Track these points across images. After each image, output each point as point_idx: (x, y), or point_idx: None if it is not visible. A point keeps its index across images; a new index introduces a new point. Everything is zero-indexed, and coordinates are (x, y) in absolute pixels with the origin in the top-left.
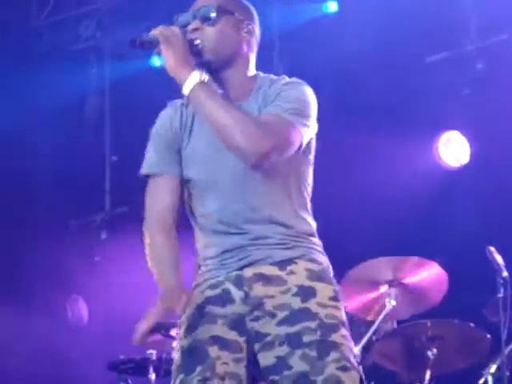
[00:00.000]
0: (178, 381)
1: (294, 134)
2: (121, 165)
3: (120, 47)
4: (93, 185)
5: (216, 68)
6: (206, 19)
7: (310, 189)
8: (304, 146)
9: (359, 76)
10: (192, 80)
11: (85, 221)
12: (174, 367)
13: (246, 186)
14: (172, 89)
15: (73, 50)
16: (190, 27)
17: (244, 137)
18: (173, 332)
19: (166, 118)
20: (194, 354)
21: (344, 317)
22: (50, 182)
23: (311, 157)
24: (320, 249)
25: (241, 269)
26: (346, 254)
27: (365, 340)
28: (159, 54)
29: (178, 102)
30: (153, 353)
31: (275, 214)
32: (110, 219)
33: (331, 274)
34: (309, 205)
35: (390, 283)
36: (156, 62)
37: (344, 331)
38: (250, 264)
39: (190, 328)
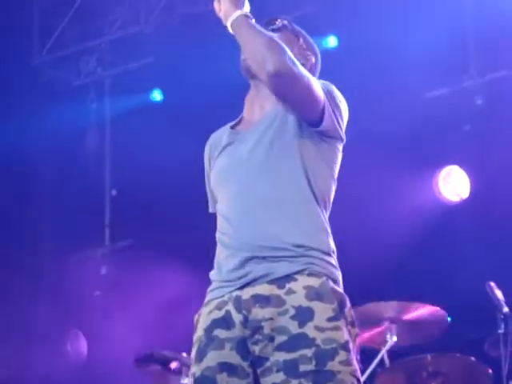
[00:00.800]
0: None
1: (314, 85)
2: (120, 199)
3: (121, 82)
4: (93, 219)
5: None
6: (272, 23)
7: (328, 198)
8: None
9: (359, 110)
10: (235, 15)
11: (85, 255)
12: None
13: (257, 209)
14: (170, 125)
15: (74, 85)
16: None
17: (268, 49)
18: (172, 365)
19: (210, 143)
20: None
21: (345, 336)
22: (50, 216)
23: (334, 166)
24: (328, 259)
25: (241, 288)
26: (345, 289)
27: (368, 372)
28: None
29: (225, 127)
30: None
31: (281, 229)
32: (110, 253)
33: (337, 287)
34: (324, 217)
35: (392, 320)
36: (156, 96)
37: (343, 355)
38: (250, 283)
39: (201, 354)
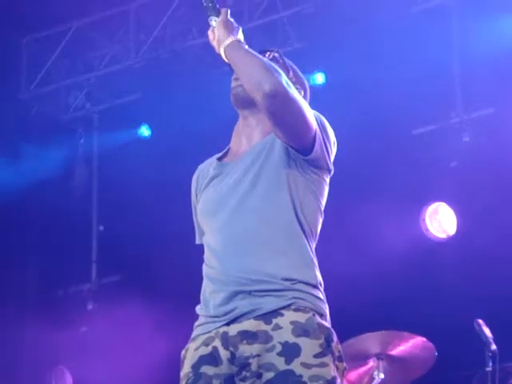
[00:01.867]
0: None
1: (313, 121)
2: (108, 235)
3: (108, 118)
4: (80, 255)
5: (250, 103)
6: (263, 55)
7: (315, 230)
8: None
9: (345, 147)
10: (228, 41)
11: (71, 291)
12: None
13: (244, 242)
14: (158, 160)
15: (61, 120)
16: None
17: (270, 77)
18: None
19: (197, 175)
20: None
21: (332, 373)
22: (37, 251)
23: (322, 199)
24: (315, 293)
25: (228, 324)
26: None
27: None
28: (211, 19)
29: (211, 158)
30: None
31: (267, 263)
32: (96, 289)
33: (324, 322)
34: (311, 250)
35: (378, 356)
36: (144, 132)
37: None
38: (236, 319)
39: None
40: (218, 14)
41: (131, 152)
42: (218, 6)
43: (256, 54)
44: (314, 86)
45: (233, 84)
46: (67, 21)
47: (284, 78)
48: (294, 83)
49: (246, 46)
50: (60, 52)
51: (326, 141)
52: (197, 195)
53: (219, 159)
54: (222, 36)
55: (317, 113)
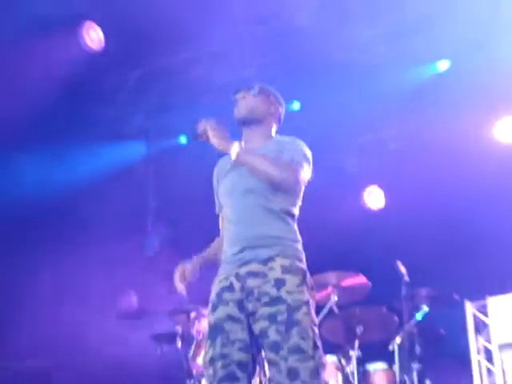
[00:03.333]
0: (207, 346)
1: (302, 170)
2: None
3: (161, 131)
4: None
5: (248, 122)
6: (250, 90)
7: (297, 208)
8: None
9: (317, 165)
10: (235, 149)
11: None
12: (206, 335)
13: (247, 213)
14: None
15: (122, 133)
16: (239, 95)
17: (276, 173)
18: (192, 314)
19: (218, 167)
20: (216, 328)
21: (307, 297)
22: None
23: (301, 191)
24: (295, 246)
25: (239, 267)
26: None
27: (320, 319)
28: (207, 139)
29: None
30: (179, 328)
31: (264, 229)
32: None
33: (301, 264)
34: (291, 221)
35: (334, 285)
36: (182, 140)
37: (305, 309)
38: (244, 264)
39: (214, 308)
40: (207, 137)
41: (177, 156)
42: (200, 132)
43: (257, 156)
44: (291, 111)
45: (235, 113)
46: None
47: (281, 170)
48: (274, 103)
49: (243, 146)
50: None
51: (307, 175)
52: (218, 181)
53: None
54: (225, 146)
55: (301, 143)
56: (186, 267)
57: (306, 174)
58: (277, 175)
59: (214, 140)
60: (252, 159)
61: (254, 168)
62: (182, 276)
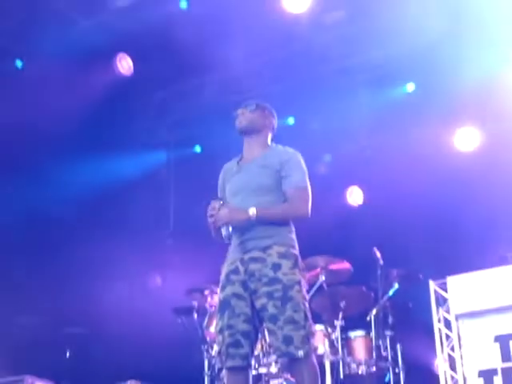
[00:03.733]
0: (217, 318)
1: (308, 192)
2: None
3: (180, 142)
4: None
5: (248, 132)
6: (249, 107)
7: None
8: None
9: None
10: (252, 213)
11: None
12: (217, 309)
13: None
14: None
15: (148, 144)
16: (240, 111)
17: (291, 211)
18: (206, 292)
19: (224, 170)
20: (224, 304)
21: (299, 277)
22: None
23: None
24: (290, 236)
25: (243, 254)
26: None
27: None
28: (227, 225)
29: (234, 160)
30: (195, 303)
31: (264, 224)
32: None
33: (294, 251)
34: None
35: (322, 267)
36: (197, 149)
37: (298, 288)
38: (247, 251)
39: (222, 287)
40: (226, 224)
41: (193, 164)
42: (220, 225)
43: (270, 210)
44: (285, 125)
45: (236, 124)
46: None
47: (294, 202)
48: (269, 117)
49: (258, 212)
50: None
51: (309, 189)
52: (224, 183)
53: (238, 162)
54: (244, 216)
55: (298, 156)
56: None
57: (309, 190)
58: (292, 213)
59: (233, 222)
60: (269, 214)
61: (273, 219)
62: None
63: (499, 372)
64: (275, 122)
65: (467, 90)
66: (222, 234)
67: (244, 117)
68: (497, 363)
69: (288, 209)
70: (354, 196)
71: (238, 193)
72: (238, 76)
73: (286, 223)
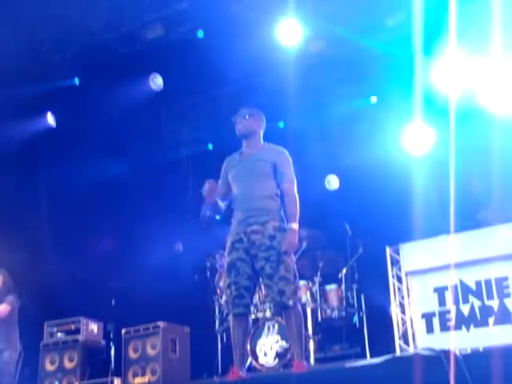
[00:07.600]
0: (225, 276)
1: (295, 183)
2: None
3: (197, 141)
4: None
5: (246, 137)
6: (244, 116)
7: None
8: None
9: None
10: (295, 228)
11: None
12: (225, 269)
13: (251, 193)
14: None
15: (173, 142)
16: (237, 120)
17: (295, 203)
18: (217, 255)
19: (227, 161)
20: (231, 265)
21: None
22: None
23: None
24: (281, 214)
25: (246, 227)
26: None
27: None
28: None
29: (236, 154)
30: (208, 264)
31: (261, 202)
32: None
33: (285, 225)
34: (279, 196)
35: (304, 236)
36: (209, 146)
37: (288, 253)
38: (249, 225)
39: (229, 253)
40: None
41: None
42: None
43: (294, 216)
44: (278, 129)
45: (236, 131)
46: None
47: (289, 191)
48: (260, 121)
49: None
50: None
51: (294, 178)
52: (226, 171)
53: (239, 156)
54: (296, 235)
55: (285, 153)
56: (211, 182)
57: (294, 179)
58: (294, 203)
59: (290, 249)
60: (295, 216)
61: (297, 214)
62: (211, 188)
63: (437, 314)
64: (264, 123)
65: None
66: (215, 209)
67: (242, 125)
68: (435, 308)
69: (293, 203)
70: (331, 182)
71: (240, 178)
72: (241, 90)
73: (278, 205)
